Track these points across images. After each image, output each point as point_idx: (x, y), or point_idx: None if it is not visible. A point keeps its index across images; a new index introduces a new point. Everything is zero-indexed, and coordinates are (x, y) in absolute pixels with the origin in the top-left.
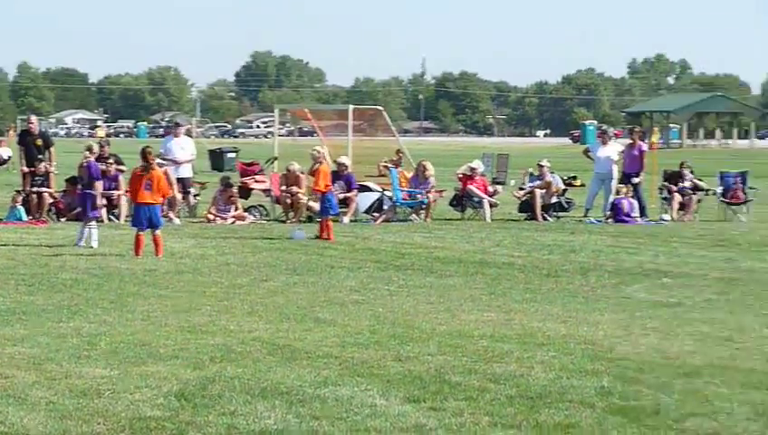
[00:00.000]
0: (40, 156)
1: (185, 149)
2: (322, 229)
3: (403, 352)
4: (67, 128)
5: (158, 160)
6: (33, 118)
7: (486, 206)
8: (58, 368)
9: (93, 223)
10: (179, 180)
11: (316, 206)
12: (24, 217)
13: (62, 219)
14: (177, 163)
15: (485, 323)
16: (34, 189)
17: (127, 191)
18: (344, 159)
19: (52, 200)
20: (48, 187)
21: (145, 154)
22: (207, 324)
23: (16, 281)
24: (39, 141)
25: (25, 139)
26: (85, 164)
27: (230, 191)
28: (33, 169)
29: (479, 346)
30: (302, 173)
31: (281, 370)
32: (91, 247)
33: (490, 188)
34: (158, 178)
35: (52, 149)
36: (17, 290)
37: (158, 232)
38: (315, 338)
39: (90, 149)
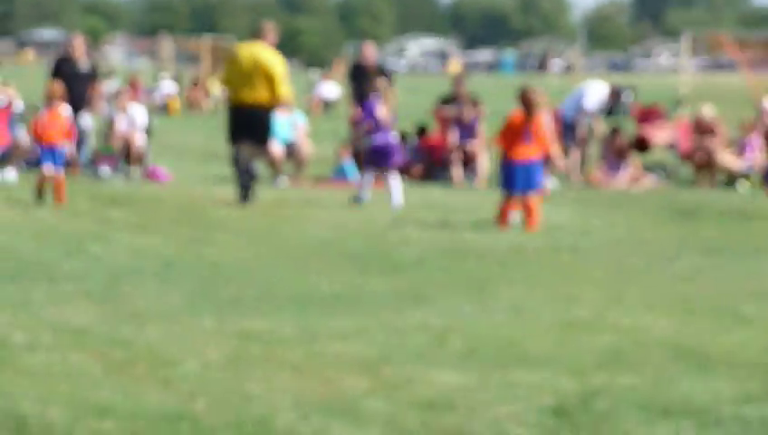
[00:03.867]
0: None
1: (595, 93)
2: None
3: None
4: (410, 59)
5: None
6: (370, 46)
7: None
8: (398, 372)
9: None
10: (567, 128)
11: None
12: (355, 175)
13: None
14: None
15: None
16: None
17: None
18: None
19: None
20: None
21: (528, 98)
22: (592, 319)
23: (345, 258)
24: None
25: (358, 73)
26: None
27: (623, 144)
28: None
29: None
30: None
31: (689, 381)
32: (395, 205)
33: None
34: (539, 127)
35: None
36: (346, 270)
37: (532, 196)
38: (735, 341)
39: None
